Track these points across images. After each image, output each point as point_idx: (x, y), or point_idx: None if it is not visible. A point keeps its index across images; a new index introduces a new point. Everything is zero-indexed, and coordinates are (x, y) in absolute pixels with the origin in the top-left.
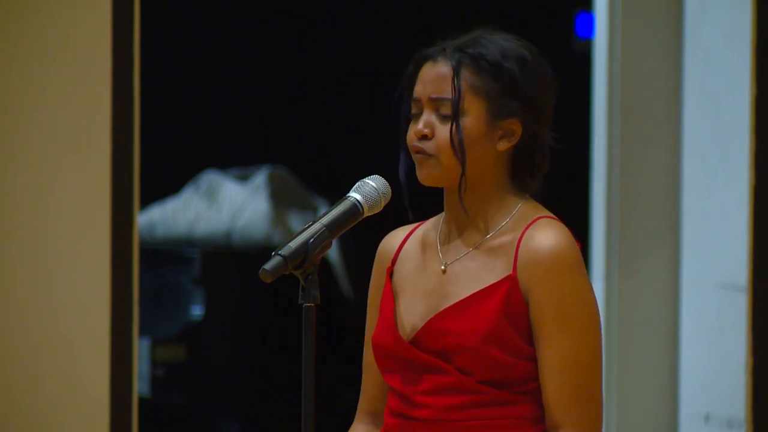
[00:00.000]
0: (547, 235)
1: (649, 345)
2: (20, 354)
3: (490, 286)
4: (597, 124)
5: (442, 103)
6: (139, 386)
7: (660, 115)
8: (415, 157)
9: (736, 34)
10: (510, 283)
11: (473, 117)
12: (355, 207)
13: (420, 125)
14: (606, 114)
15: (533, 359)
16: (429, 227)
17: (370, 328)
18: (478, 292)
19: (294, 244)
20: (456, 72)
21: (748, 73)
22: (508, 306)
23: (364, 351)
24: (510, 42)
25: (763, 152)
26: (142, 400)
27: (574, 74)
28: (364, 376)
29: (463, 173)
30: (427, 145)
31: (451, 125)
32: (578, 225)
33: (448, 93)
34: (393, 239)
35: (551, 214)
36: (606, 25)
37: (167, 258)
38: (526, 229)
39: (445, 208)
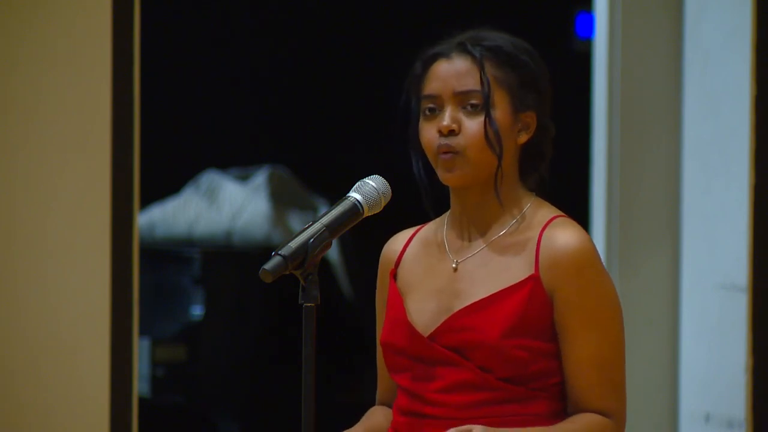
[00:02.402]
0: (569, 236)
1: (649, 345)
2: (20, 354)
3: (513, 286)
4: (597, 124)
5: (470, 96)
6: (139, 386)
7: (660, 115)
8: (440, 158)
9: (736, 34)
10: (533, 283)
11: (500, 110)
12: (356, 207)
13: (446, 121)
14: (606, 114)
15: (551, 356)
16: (432, 228)
17: (379, 332)
18: (500, 291)
19: (294, 244)
20: (481, 65)
21: (748, 73)
22: (530, 305)
23: (378, 352)
24: (510, 36)
25: (763, 152)
26: (142, 400)
27: (574, 74)
28: (378, 374)
29: (499, 165)
30: (455, 141)
31: (485, 118)
32: (578, 225)
33: (475, 86)
34: (394, 243)
35: (563, 213)
36: (606, 25)
37: (167, 258)
38: (544, 228)
39: (453, 206)
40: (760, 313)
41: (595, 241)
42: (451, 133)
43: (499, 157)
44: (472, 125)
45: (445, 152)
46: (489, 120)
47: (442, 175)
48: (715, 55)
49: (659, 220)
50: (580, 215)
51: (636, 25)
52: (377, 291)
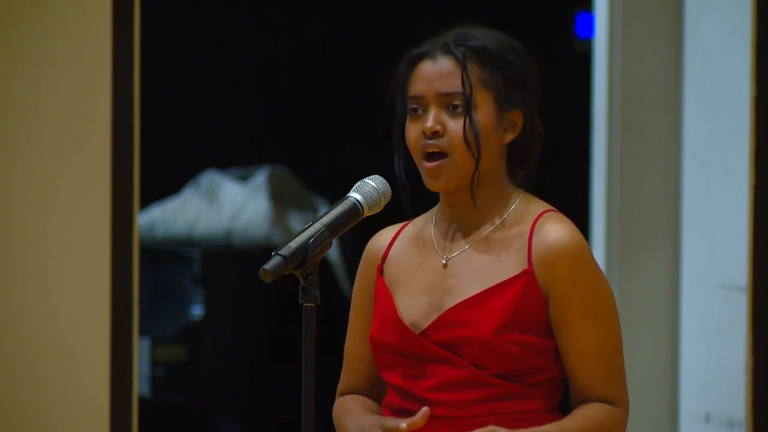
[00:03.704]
0: (560, 230)
1: (649, 345)
2: (20, 354)
3: (507, 281)
4: (597, 124)
5: (453, 98)
6: (139, 386)
7: (660, 115)
8: (425, 164)
9: (736, 34)
10: (527, 278)
11: (484, 110)
12: (356, 207)
13: (430, 122)
14: (606, 114)
15: (545, 352)
16: (420, 224)
17: (355, 324)
18: (494, 287)
19: (294, 244)
20: (464, 66)
21: (748, 73)
22: (525, 300)
23: (347, 345)
24: (498, 34)
25: (763, 152)
26: (142, 400)
27: (574, 74)
28: (345, 367)
29: (476, 168)
30: (439, 142)
31: (465, 120)
32: (578, 224)
33: (458, 87)
34: (381, 238)
35: (552, 207)
36: (606, 25)
37: (167, 258)
38: (535, 222)
39: (442, 203)
40: (760, 313)
41: (595, 241)
42: (435, 134)
43: (477, 159)
44: (456, 127)
45: (431, 155)
46: (469, 121)
47: (428, 182)
48: (715, 55)
49: (659, 220)
50: (580, 215)
51: (636, 25)
52: (357, 284)
